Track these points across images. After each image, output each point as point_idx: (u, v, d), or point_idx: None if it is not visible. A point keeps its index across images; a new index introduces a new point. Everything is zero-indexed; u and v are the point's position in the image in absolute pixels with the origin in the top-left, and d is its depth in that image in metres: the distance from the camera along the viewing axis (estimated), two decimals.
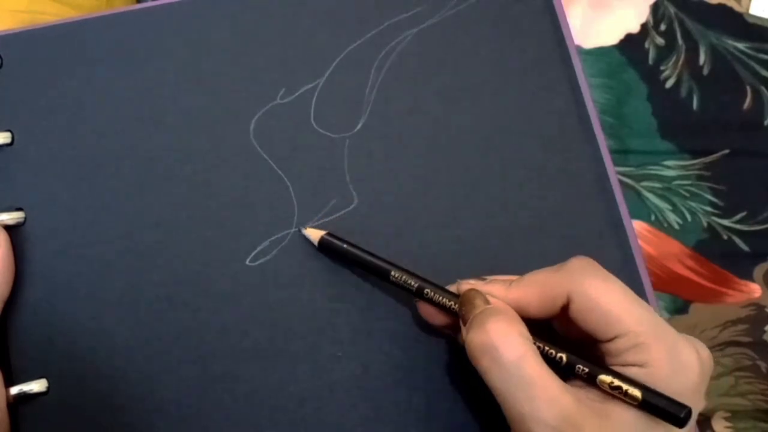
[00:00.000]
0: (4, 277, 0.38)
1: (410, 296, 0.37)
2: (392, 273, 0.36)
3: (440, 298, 0.35)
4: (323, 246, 0.38)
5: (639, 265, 0.39)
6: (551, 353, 0.32)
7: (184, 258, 0.39)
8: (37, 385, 0.38)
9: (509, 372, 0.30)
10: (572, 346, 0.32)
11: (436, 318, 0.36)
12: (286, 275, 0.39)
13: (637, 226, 0.55)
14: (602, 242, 0.39)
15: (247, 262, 0.39)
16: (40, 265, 0.40)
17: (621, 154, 0.57)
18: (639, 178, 0.56)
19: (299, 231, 0.39)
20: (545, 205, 0.40)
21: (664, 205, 0.56)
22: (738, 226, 0.55)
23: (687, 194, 0.56)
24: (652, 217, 0.55)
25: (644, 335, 0.30)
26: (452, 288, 0.36)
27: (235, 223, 0.40)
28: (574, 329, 0.32)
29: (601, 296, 0.31)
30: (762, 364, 0.54)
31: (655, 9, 0.60)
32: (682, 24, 0.59)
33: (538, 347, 0.31)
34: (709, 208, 0.56)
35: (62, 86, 0.42)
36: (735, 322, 0.54)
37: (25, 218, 0.40)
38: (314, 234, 0.39)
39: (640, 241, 0.54)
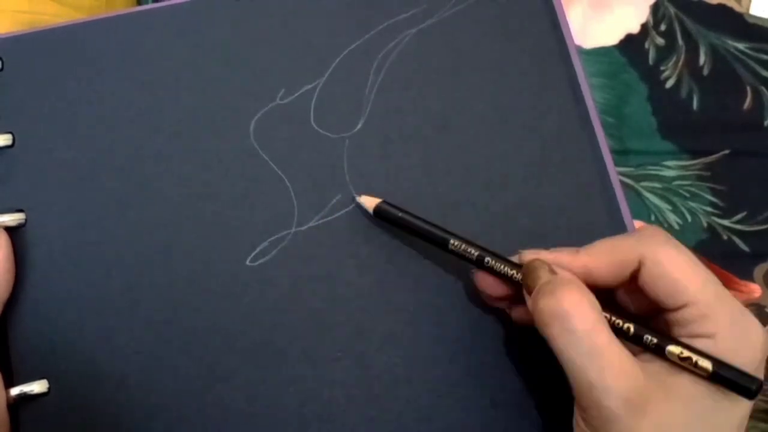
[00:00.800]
0: (5, 279, 0.39)
1: (409, 296, 0.37)
2: (451, 241, 0.36)
3: (502, 267, 0.34)
4: (380, 214, 0.38)
5: None
6: (619, 323, 0.32)
7: (184, 259, 0.39)
8: (37, 386, 0.38)
9: (581, 340, 0.30)
10: (637, 320, 0.32)
11: (496, 289, 0.36)
12: (286, 275, 0.39)
13: (638, 226, 0.55)
14: None
15: (247, 263, 0.39)
16: (41, 267, 0.40)
17: (621, 154, 0.57)
18: (639, 178, 0.56)
19: (354, 199, 0.39)
20: (546, 204, 0.40)
21: (664, 205, 0.56)
22: (738, 226, 0.55)
23: (687, 194, 0.56)
24: (652, 217, 0.55)
25: (712, 306, 0.30)
26: (513, 258, 0.35)
27: (235, 224, 0.40)
28: (639, 301, 0.33)
29: (673, 263, 0.31)
30: None
31: (655, 9, 0.60)
32: (682, 24, 0.59)
33: (606, 317, 0.31)
34: (709, 208, 0.56)
35: (63, 88, 0.42)
36: None
37: (26, 220, 0.40)
38: (369, 202, 0.38)
39: None
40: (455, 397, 0.38)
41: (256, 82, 0.42)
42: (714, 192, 0.56)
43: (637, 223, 0.55)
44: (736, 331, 0.30)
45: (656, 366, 0.31)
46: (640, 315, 0.34)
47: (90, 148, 0.41)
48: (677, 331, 0.31)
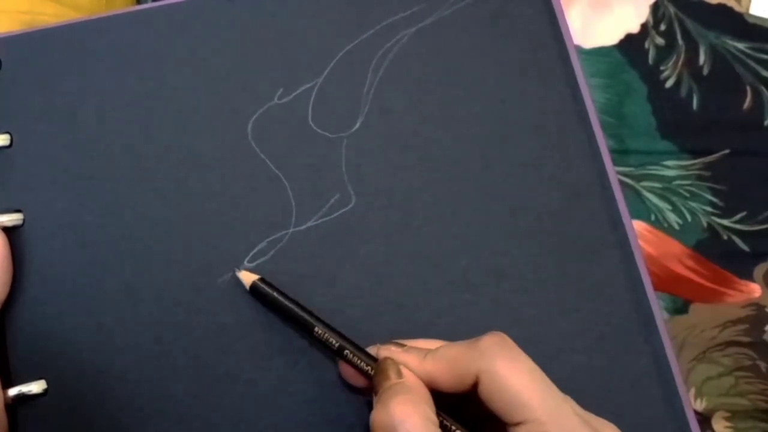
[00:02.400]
0: (3, 279, 0.38)
1: (409, 297, 0.37)
2: (315, 329, 0.36)
3: (358, 361, 0.35)
4: (254, 291, 0.38)
5: (639, 265, 0.39)
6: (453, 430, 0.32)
7: (182, 258, 0.39)
8: (35, 386, 0.38)
9: None
10: (491, 423, 0.32)
11: (356, 380, 0.36)
12: (284, 275, 0.39)
13: (637, 226, 0.55)
14: (602, 242, 0.39)
15: (246, 263, 0.39)
16: (39, 267, 0.40)
17: (621, 154, 0.57)
18: (639, 178, 0.56)
19: (233, 272, 0.39)
20: (544, 204, 0.40)
21: (664, 205, 0.56)
22: (738, 226, 0.55)
23: (687, 194, 0.56)
24: (652, 217, 0.55)
25: (549, 424, 0.30)
26: (372, 350, 0.36)
27: (233, 224, 0.40)
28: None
29: (510, 378, 0.31)
30: (762, 364, 0.54)
31: (655, 9, 0.60)
32: (682, 24, 0.59)
33: (443, 423, 0.32)
34: (709, 208, 0.56)
35: (61, 88, 0.42)
36: (735, 322, 0.54)
37: (24, 220, 0.40)
38: (247, 277, 0.38)
39: (640, 241, 0.54)
40: None
41: (254, 82, 0.42)
42: (714, 192, 0.56)
43: (637, 224, 0.55)
44: None
45: None
46: (495, 421, 0.33)
47: (88, 149, 0.41)
48: None
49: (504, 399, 0.31)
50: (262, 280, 0.38)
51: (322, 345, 0.36)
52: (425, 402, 0.32)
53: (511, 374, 0.31)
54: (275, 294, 0.37)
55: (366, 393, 0.37)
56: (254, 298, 0.38)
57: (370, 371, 0.35)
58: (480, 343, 0.32)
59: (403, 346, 0.35)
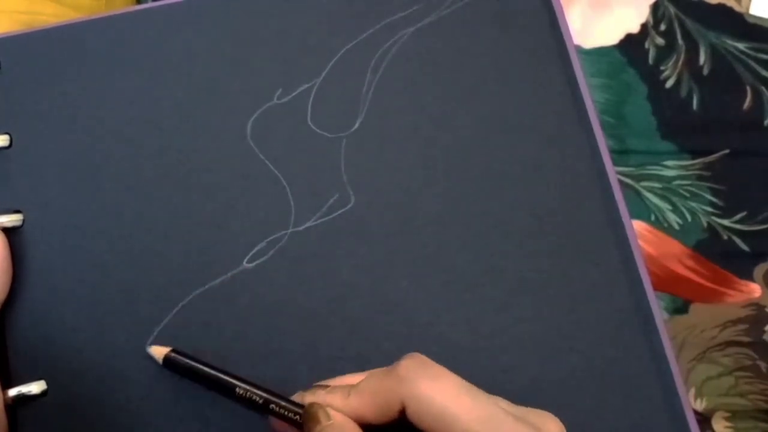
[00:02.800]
0: (2, 280, 0.38)
1: (408, 298, 0.37)
2: (237, 389, 0.35)
3: (286, 412, 0.34)
4: (168, 364, 0.37)
5: (639, 265, 0.39)
6: None
7: (181, 259, 0.39)
8: (35, 387, 0.38)
9: None
10: None
11: (289, 430, 0.35)
12: (283, 276, 0.39)
13: (637, 226, 0.55)
14: (601, 242, 0.39)
15: (245, 263, 0.39)
16: (39, 267, 0.40)
17: (621, 154, 0.57)
18: (639, 178, 0.56)
19: (146, 349, 0.38)
20: (544, 203, 0.40)
21: (664, 205, 0.56)
22: (738, 226, 0.55)
23: (687, 194, 0.56)
24: (652, 217, 0.55)
25: (484, 429, 0.30)
26: (297, 398, 0.35)
27: (232, 224, 0.40)
28: None
29: (434, 397, 0.30)
30: (762, 364, 0.54)
31: (655, 9, 0.60)
32: (682, 24, 0.59)
33: None
34: (709, 208, 0.56)
35: (60, 88, 0.42)
36: (735, 322, 0.54)
37: (24, 220, 0.40)
38: (158, 352, 0.37)
39: (640, 241, 0.54)
40: None
41: (254, 82, 0.42)
42: (714, 192, 0.56)
43: (637, 224, 0.55)
44: None
45: None
46: None
47: (87, 149, 0.41)
48: None
49: (433, 419, 0.30)
50: (174, 350, 0.37)
51: (247, 404, 0.35)
52: None
53: (434, 393, 0.30)
54: (191, 362, 0.37)
55: None
56: (169, 370, 0.37)
57: (299, 420, 0.34)
58: (398, 369, 0.32)
59: (326, 387, 0.34)
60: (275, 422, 0.36)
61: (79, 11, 0.53)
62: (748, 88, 0.58)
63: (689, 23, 0.59)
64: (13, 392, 0.37)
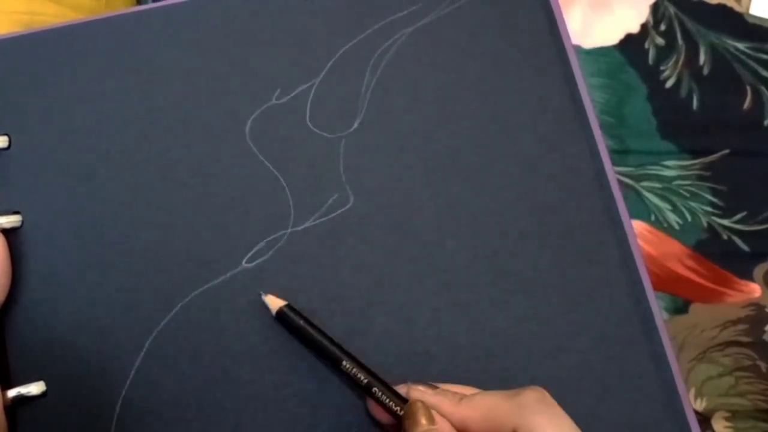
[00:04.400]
0: (2, 280, 0.38)
1: (407, 297, 0.37)
2: (343, 363, 0.36)
3: (387, 400, 0.34)
4: (280, 318, 0.37)
5: (638, 264, 0.39)
6: None
7: (180, 259, 0.39)
8: (35, 388, 0.38)
9: None
10: None
11: (384, 417, 0.36)
12: (282, 276, 0.39)
13: (637, 226, 0.55)
14: (601, 241, 0.39)
15: (244, 263, 0.39)
16: (38, 268, 0.40)
17: (621, 154, 0.57)
18: (639, 178, 0.56)
19: (260, 296, 0.38)
20: (543, 203, 0.40)
21: (664, 205, 0.56)
22: (738, 226, 0.55)
23: (687, 194, 0.56)
24: (652, 217, 0.55)
25: None
26: (402, 389, 0.35)
27: (231, 224, 0.40)
28: None
29: None
30: (762, 364, 0.54)
31: (655, 9, 0.60)
32: (682, 24, 0.59)
33: None
34: (709, 208, 0.55)
35: (59, 89, 0.42)
36: (735, 322, 0.54)
37: (23, 221, 0.40)
38: (273, 303, 0.38)
39: (640, 241, 0.54)
40: None
41: (252, 82, 0.42)
42: (714, 192, 0.56)
43: (637, 224, 0.55)
44: None
45: None
46: None
47: (86, 150, 0.41)
48: None
49: None
50: (289, 306, 0.37)
51: (350, 380, 0.35)
52: None
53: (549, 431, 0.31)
54: (302, 322, 0.37)
55: (393, 429, 0.36)
56: (279, 323, 0.38)
57: (399, 412, 0.34)
58: (520, 397, 0.32)
59: (435, 387, 0.35)
60: (373, 406, 0.36)
61: (79, 11, 0.53)
62: (748, 88, 0.58)
63: (689, 23, 0.59)
64: (12, 393, 0.37)
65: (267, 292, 0.38)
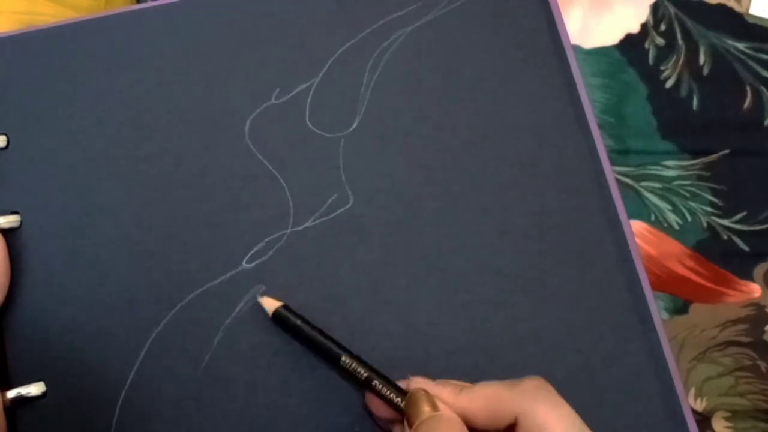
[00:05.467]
0: (1, 281, 0.38)
1: (407, 297, 0.37)
2: (342, 358, 0.36)
3: (388, 392, 0.35)
4: (276, 318, 0.38)
5: (637, 264, 0.39)
6: None
7: (180, 259, 0.39)
8: (34, 389, 0.38)
9: None
10: None
11: (383, 411, 0.35)
12: (282, 276, 0.39)
13: (637, 226, 0.55)
14: (600, 241, 0.39)
15: (244, 263, 0.39)
16: (37, 268, 0.40)
17: (621, 154, 0.57)
18: (639, 178, 0.56)
19: (255, 298, 0.38)
20: (542, 203, 0.40)
21: (664, 205, 0.56)
22: (738, 226, 0.55)
23: (687, 194, 0.56)
24: (652, 217, 0.55)
25: None
26: (402, 384, 0.35)
27: (231, 225, 0.40)
28: None
29: (549, 424, 0.31)
30: (762, 364, 0.54)
31: (655, 9, 0.60)
32: (682, 24, 0.59)
33: None
34: (709, 208, 0.55)
35: (57, 89, 0.42)
36: (735, 322, 0.54)
37: (21, 222, 0.40)
38: (269, 304, 0.38)
39: (640, 241, 0.54)
40: None
41: (251, 82, 0.42)
42: (714, 192, 0.56)
43: (637, 224, 0.55)
44: None
45: None
46: None
47: (85, 150, 0.41)
48: None
49: None
50: (285, 307, 0.37)
51: (349, 375, 0.36)
52: None
53: (551, 420, 0.31)
54: (299, 322, 0.37)
55: (389, 425, 0.36)
56: (276, 324, 0.38)
57: (399, 403, 0.34)
58: (522, 385, 0.32)
59: (432, 380, 0.34)
60: (371, 400, 0.36)
61: (79, 11, 0.53)
62: (748, 88, 0.58)
63: (689, 23, 0.59)
64: (12, 394, 0.37)
65: (263, 294, 0.38)
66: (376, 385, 0.35)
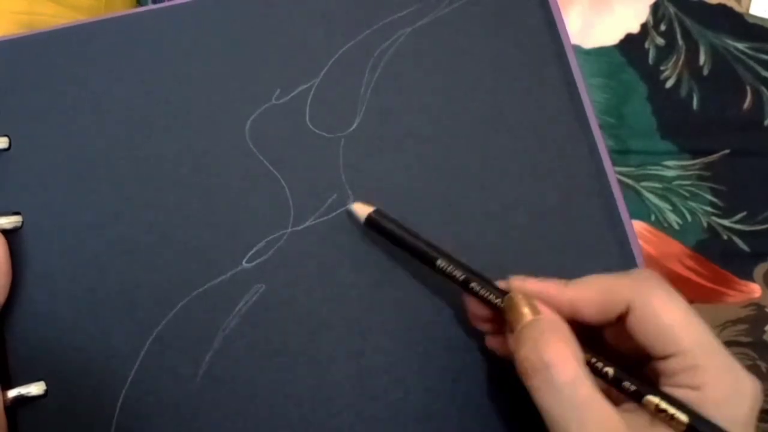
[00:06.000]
0: (2, 281, 0.39)
1: (407, 296, 0.37)
2: (438, 261, 0.35)
3: (486, 293, 0.34)
4: (371, 223, 0.37)
5: (639, 264, 0.39)
6: (599, 366, 0.31)
7: (181, 259, 0.39)
8: (35, 388, 0.38)
9: (561, 393, 0.29)
10: (622, 361, 0.31)
11: (481, 310, 0.35)
12: (282, 275, 0.39)
13: (637, 226, 0.55)
14: (601, 241, 0.39)
15: (244, 263, 0.39)
16: (38, 269, 0.40)
17: (621, 154, 0.57)
18: (639, 178, 0.56)
19: (347, 207, 0.39)
20: (542, 203, 0.40)
21: (664, 205, 0.56)
22: (738, 226, 0.55)
23: (687, 194, 0.56)
24: (652, 217, 0.55)
25: (701, 357, 0.29)
26: (502, 284, 0.34)
27: (231, 224, 0.40)
28: (627, 342, 0.31)
29: (664, 311, 0.30)
30: (762, 364, 0.54)
31: (655, 9, 0.60)
32: (682, 24, 0.59)
33: (586, 358, 0.30)
34: (709, 208, 0.55)
35: (59, 90, 0.42)
36: (735, 322, 0.54)
37: (23, 222, 0.40)
38: (361, 210, 0.38)
39: (640, 241, 0.54)
40: (451, 396, 0.37)
41: (252, 83, 0.42)
42: (714, 192, 0.56)
43: (637, 224, 0.55)
44: (725, 384, 0.29)
45: (639, 417, 0.30)
46: (628, 358, 0.32)
47: (86, 151, 0.41)
48: (663, 380, 0.30)
49: (657, 331, 0.30)
50: (377, 212, 0.37)
51: (447, 277, 0.35)
52: (572, 340, 0.31)
53: (665, 308, 0.30)
54: (393, 226, 0.36)
55: (488, 331, 0.36)
56: (370, 229, 0.37)
57: (500, 304, 0.33)
58: (634, 274, 0.32)
59: (535, 278, 0.34)
60: (471, 303, 0.35)
61: (79, 12, 0.53)
62: (748, 88, 0.58)
63: (689, 23, 0.59)
64: (12, 393, 0.38)
65: (355, 201, 0.38)
66: (474, 288, 0.34)
